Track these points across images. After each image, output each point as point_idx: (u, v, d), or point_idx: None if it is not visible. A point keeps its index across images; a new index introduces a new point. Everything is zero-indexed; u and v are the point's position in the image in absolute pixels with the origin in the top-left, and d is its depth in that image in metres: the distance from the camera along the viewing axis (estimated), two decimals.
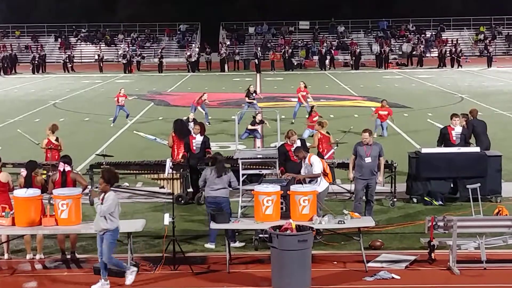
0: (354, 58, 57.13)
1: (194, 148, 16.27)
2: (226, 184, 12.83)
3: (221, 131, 25.58)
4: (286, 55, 57.27)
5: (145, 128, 26.98)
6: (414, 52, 60.19)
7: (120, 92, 28.53)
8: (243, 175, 14.56)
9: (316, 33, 69.92)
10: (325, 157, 16.21)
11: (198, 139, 16.33)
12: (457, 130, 16.50)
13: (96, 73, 55.49)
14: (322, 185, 13.10)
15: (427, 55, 61.21)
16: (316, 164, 13.13)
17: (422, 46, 61.92)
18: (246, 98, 28.01)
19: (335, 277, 11.18)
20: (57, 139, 17.14)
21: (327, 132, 17.35)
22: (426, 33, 69.59)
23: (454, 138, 16.41)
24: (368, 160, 13.76)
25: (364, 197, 14.03)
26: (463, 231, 11.69)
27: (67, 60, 58.57)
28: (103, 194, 10.74)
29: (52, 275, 11.56)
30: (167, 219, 11.62)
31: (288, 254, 10.46)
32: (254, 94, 28.17)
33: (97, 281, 10.82)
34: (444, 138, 16.57)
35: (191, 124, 19.69)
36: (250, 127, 23.93)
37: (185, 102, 31.67)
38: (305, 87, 27.73)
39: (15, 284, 10.84)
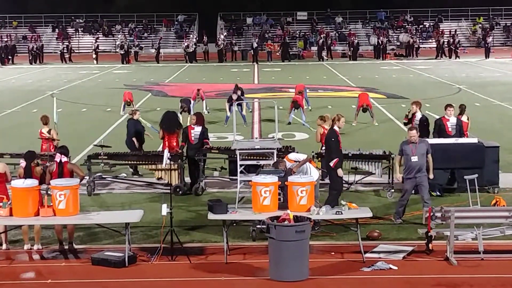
0: (352, 48, 56.99)
1: (193, 138, 16.25)
2: None
3: (218, 121, 25.54)
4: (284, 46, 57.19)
5: (142, 119, 26.98)
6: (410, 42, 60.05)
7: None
8: (241, 165, 14.56)
9: (314, 24, 69.76)
10: None
11: (196, 130, 16.31)
12: (452, 120, 16.45)
13: (93, 63, 55.36)
14: (313, 172, 13.18)
15: (416, 45, 61.02)
16: (298, 156, 13.45)
17: (409, 36, 61.74)
18: (232, 94, 24.45)
19: (332, 267, 11.19)
20: (49, 131, 16.98)
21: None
22: (425, 23, 69.49)
23: (450, 129, 16.36)
24: (414, 158, 13.30)
25: (408, 200, 13.58)
26: (461, 222, 11.70)
27: (65, 51, 58.41)
28: None
29: (49, 265, 11.55)
30: (164, 209, 11.63)
31: (285, 244, 10.47)
32: (239, 93, 24.77)
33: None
34: (439, 130, 16.52)
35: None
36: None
37: (182, 93, 31.54)
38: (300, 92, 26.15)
39: (12, 274, 10.83)
